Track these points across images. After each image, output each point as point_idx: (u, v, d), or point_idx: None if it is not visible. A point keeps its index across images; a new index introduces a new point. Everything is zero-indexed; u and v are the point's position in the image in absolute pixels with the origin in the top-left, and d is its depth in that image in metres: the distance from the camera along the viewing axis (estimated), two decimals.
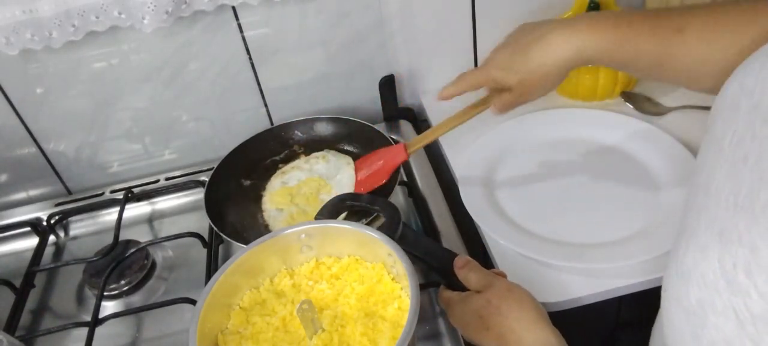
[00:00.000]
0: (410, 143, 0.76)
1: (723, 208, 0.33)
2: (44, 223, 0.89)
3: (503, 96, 0.65)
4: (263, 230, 0.80)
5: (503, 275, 0.58)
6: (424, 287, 0.68)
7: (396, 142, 0.89)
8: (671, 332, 0.36)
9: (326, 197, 0.76)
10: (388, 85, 0.96)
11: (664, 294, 0.38)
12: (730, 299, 0.29)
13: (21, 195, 0.98)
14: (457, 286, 0.62)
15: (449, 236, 0.75)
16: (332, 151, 0.88)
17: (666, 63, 0.54)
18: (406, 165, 0.89)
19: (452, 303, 0.58)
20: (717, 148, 0.37)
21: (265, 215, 0.81)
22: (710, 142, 0.39)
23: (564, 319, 0.65)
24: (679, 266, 0.35)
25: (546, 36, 0.59)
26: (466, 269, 0.58)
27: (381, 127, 0.92)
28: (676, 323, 0.35)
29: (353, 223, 0.59)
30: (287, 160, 0.91)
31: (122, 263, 0.79)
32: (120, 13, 0.78)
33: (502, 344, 0.52)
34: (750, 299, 0.28)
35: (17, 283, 0.79)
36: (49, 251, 0.88)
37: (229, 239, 0.76)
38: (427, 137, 0.75)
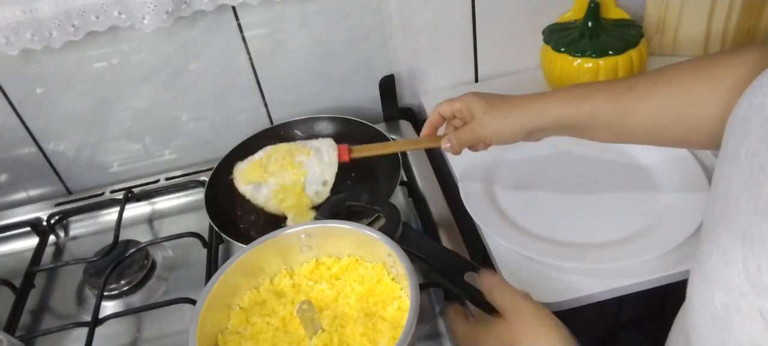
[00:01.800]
0: (355, 149, 0.76)
1: (743, 214, 0.34)
2: (44, 223, 0.89)
3: (459, 131, 0.68)
4: (262, 226, 0.80)
5: (528, 297, 0.55)
6: (424, 287, 0.68)
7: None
8: (696, 337, 0.36)
9: (304, 158, 0.75)
10: (388, 85, 0.96)
11: (688, 303, 0.38)
12: (756, 301, 0.30)
13: (21, 195, 0.98)
14: (458, 288, 0.61)
15: (449, 236, 0.75)
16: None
17: (624, 119, 0.59)
18: (406, 165, 0.89)
19: (470, 336, 0.55)
20: (732, 162, 0.38)
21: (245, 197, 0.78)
22: (724, 159, 0.41)
23: (564, 319, 0.65)
24: (702, 272, 0.36)
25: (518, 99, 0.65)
26: (492, 288, 0.55)
27: (381, 127, 0.92)
28: (701, 329, 0.35)
29: (353, 223, 0.59)
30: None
31: (122, 263, 0.79)
32: (120, 13, 0.78)
33: None
34: None
35: (17, 283, 0.79)
36: (49, 251, 0.88)
37: (229, 239, 0.76)
38: (372, 149, 0.77)
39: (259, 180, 0.75)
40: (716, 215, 0.38)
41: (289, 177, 0.74)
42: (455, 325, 0.58)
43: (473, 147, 0.69)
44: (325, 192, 0.75)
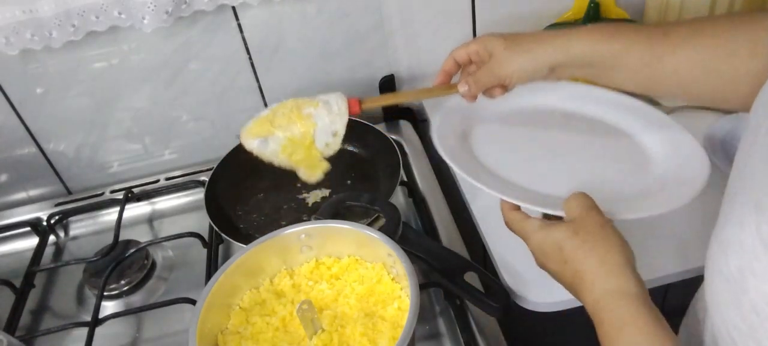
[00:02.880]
0: (366, 100, 0.71)
1: (759, 186, 0.35)
2: (44, 223, 0.89)
3: (477, 72, 0.64)
4: (262, 226, 0.80)
5: (597, 209, 0.53)
6: (424, 287, 0.68)
7: (397, 142, 0.89)
8: (713, 302, 0.37)
9: (312, 110, 0.71)
10: (388, 85, 0.96)
11: (706, 272, 0.39)
12: None
13: (21, 195, 0.98)
14: (458, 288, 0.62)
15: (449, 236, 0.75)
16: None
17: (655, 65, 0.55)
18: (406, 165, 0.89)
19: (531, 230, 0.54)
20: (752, 139, 0.39)
21: (254, 153, 0.74)
22: (747, 136, 0.41)
23: (566, 319, 0.65)
24: (718, 240, 0.37)
25: (540, 33, 0.62)
26: (574, 196, 0.53)
27: (381, 127, 0.92)
28: (718, 293, 0.36)
29: (353, 223, 0.59)
30: None
31: (122, 263, 0.79)
32: (120, 13, 0.78)
33: (576, 281, 0.49)
34: None
35: (17, 283, 0.79)
36: (49, 251, 0.88)
37: (229, 239, 0.76)
38: (384, 99, 0.76)
39: (265, 134, 0.71)
40: (735, 189, 0.39)
41: (298, 129, 0.71)
42: (506, 211, 0.57)
43: (490, 92, 0.65)
44: (336, 144, 0.72)
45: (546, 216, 0.56)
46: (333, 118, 0.71)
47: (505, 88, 0.64)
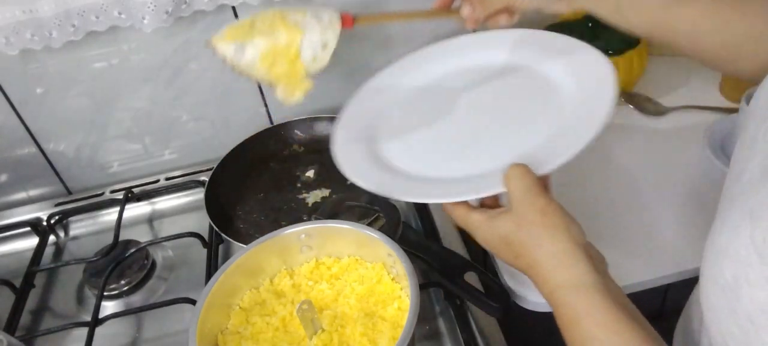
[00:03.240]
0: (361, 16, 0.63)
1: (754, 193, 0.35)
2: (44, 223, 0.89)
3: None
4: (262, 226, 0.80)
5: (545, 192, 0.48)
6: (424, 287, 0.68)
7: None
8: (709, 311, 0.37)
9: (300, 18, 0.62)
10: None
11: (701, 278, 0.39)
12: (762, 270, 0.31)
13: (21, 195, 0.98)
14: (458, 288, 0.62)
15: (449, 236, 0.75)
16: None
17: (672, 8, 0.54)
18: None
19: (475, 226, 0.52)
20: (750, 144, 0.39)
21: (226, 63, 0.62)
22: (743, 142, 0.41)
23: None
24: (714, 247, 0.37)
25: None
26: (512, 176, 0.49)
27: None
28: (713, 301, 0.36)
29: (353, 223, 0.59)
30: (286, 159, 0.91)
31: (122, 263, 0.79)
32: (120, 13, 0.78)
33: (531, 274, 0.48)
34: None
35: (17, 283, 0.79)
36: (49, 251, 0.88)
37: (229, 239, 0.76)
38: (380, 17, 0.69)
39: (242, 39, 0.61)
40: (732, 193, 0.39)
41: (283, 37, 0.61)
42: (453, 211, 0.53)
43: (494, 18, 0.60)
44: (325, 58, 0.63)
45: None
46: (323, 28, 0.62)
47: (511, 15, 0.60)
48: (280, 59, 0.61)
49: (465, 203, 0.53)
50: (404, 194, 0.57)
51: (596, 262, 0.46)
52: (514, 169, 0.49)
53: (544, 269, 0.46)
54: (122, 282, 0.78)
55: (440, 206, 0.54)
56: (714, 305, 0.36)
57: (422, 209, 0.81)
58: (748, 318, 0.32)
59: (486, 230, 0.50)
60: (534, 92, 0.63)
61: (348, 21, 0.62)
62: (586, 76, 0.60)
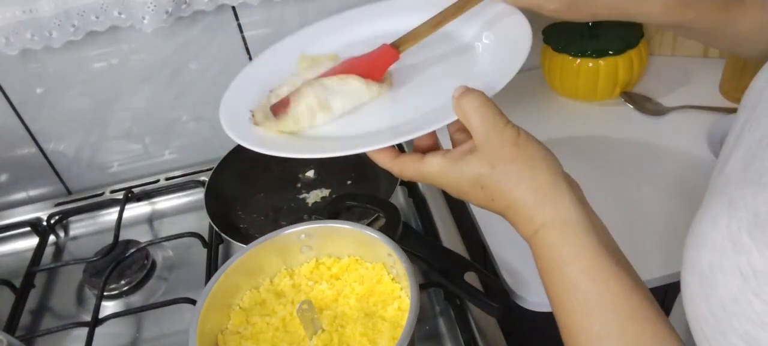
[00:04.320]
0: (400, 41, 0.57)
1: (733, 183, 0.36)
2: (44, 223, 0.89)
3: None
4: (262, 226, 0.80)
5: (509, 123, 0.44)
6: (424, 287, 0.68)
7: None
8: (687, 298, 0.38)
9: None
10: None
11: (682, 266, 0.39)
12: (736, 259, 0.32)
13: (21, 195, 0.98)
14: (458, 288, 0.61)
15: (449, 236, 0.75)
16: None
17: (719, 29, 0.53)
18: None
19: (436, 172, 0.46)
20: (736, 135, 0.40)
21: None
22: (731, 133, 0.42)
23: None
24: (693, 236, 0.38)
25: None
26: (468, 103, 0.43)
27: None
28: (691, 289, 0.37)
29: (353, 223, 0.59)
30: (286, 159, 0.91)
31: (122, 263, 0.79)
32: (120, 13, 0.78)
33: (509, 215, 0.43)
34: (752, 257, 0.31)
35: (17, 283, 0.79)
36: (49, 251, 0.88)
37: (229, 239, 0.76)
38: (420, 34, 0.57)
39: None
40: (715, 185, 0.39)
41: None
42: (388, 161, 0.48)
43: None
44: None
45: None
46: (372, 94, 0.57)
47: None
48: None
49: (420, 152, 0.47)
50: (332, 150, 0.51)
51: (575, 189, 0.43)
52: (471, 97, 0.43)
53: (526, 208, 0.42)
54: (122, 282, 0.78)
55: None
56: (691, 292, 0.37)
57: (422, 209, 0.81)
58: (721, 305, 0.33)
59: (452, 175, 0.45)
60: (449, 52, 0.60)
61: (394, 55, 0.57)
62: (500, 27, 0.58)
